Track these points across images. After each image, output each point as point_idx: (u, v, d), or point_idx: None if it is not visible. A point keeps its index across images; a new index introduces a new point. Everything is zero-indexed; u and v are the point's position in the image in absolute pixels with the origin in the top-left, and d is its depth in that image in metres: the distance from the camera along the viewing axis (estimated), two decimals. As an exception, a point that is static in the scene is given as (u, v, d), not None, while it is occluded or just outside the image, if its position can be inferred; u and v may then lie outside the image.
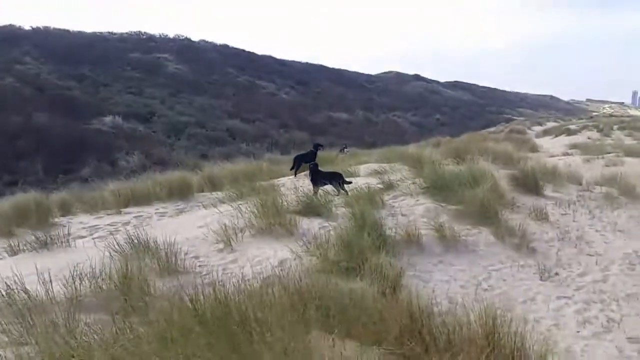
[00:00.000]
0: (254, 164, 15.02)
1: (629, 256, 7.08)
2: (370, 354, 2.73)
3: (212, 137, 35.58)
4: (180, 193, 10.79)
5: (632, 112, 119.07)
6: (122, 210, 9.61)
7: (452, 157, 13.31)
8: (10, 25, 51.43)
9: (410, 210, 8.27)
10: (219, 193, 10.49)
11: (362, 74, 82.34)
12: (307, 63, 74.04)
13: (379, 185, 9.47)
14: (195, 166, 18.46)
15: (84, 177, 19.72)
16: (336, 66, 78.89)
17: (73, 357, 2.70)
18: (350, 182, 9.26)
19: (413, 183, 9.51)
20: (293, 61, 72.11)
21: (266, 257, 5.86)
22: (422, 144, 22.87)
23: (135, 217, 9.15)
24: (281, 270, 5.04)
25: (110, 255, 5.41)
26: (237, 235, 6.47)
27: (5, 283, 4.02)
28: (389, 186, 9.49)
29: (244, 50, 67.51)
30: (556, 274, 6.38)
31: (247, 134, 37.77)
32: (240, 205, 7.36)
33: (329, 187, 9.11)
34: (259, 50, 78.25)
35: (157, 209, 9.73)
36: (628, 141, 25.09)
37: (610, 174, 12.28)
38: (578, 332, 4.91)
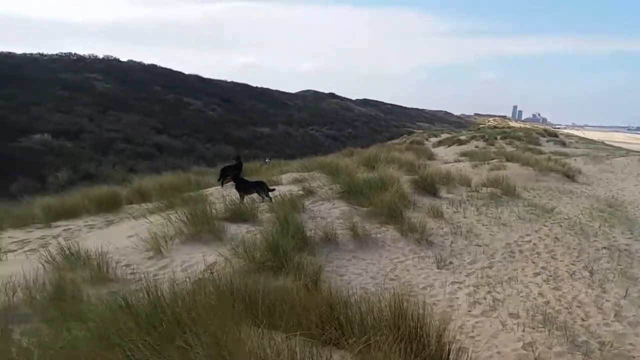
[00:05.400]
0: (182, 176, 14.61)
1: (510, 246, 7.68)
2: (294, 340, 2.79)
3: (140, 152, 33.87)
4: (109, 206, 10.21)
5: (513, 124, 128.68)
6: (51, 224, 9.03)
7: (364, 166, 13.80)
8: None
9: (328, 213, 8.46)
10: (148, 204, 10.11)
11: (284, 92, 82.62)
12: (232, 82, 73.09)
13: (300, 192, 9.58)
14: (124, 180, 17.58)
15: (13, 194, 18.13)
16: (259, 85, 78.67)
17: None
18: (273, 189, 9.30)
19: (330, 189, 9.73)
20: (219, 80, 70.87)
21: (196, 262, 5.76)
22: (337, 154, 23.33)
23: (64, 230, 8.61)
24: (211, 273, 4.99)
25: (43, 266, 5.10)
26: (167, 243, 6.31)
27: None
28: (309, 192, 9.64)
29: (171, 70, 65.65)
30: (450, 262, 6.80)
31: (175, 149, 36.43)
32: (169, 215, 7.18)
33: (254, 195, 9.10)
34: (186, 70, 76.43)
35: (86, 222, 9.20)
36: (509, 149, 27.05)
37: (495, 176, 13.21)
38: (469, 311, 5.26)
